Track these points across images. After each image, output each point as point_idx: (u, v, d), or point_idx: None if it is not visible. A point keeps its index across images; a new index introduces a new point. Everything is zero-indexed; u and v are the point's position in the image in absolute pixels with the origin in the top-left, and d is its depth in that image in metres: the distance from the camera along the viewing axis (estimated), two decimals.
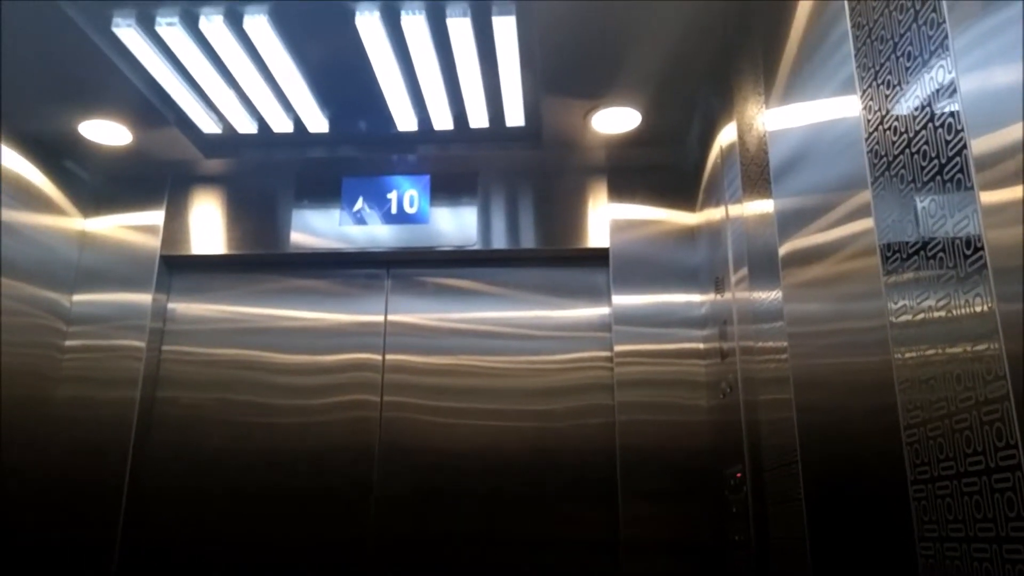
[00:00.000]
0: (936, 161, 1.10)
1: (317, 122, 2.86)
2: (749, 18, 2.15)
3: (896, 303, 1.23)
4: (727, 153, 2.43)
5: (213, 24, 2.29)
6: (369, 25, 2.28)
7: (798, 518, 1.71)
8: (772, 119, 1.92)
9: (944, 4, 1.07)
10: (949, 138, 1.06)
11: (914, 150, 1.16)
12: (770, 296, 1.96)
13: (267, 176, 3.21)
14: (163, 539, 2.91)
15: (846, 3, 1.44)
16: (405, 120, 2.83)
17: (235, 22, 2.30)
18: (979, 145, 0.99)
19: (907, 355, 1.19)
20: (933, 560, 1.11)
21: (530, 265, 3.14)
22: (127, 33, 2.33)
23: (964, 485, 1.02)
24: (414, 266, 3.18)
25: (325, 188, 3.18)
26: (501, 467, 2.89)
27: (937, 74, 1.10)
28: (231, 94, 2.70)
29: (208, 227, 3.18)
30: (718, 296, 2.58)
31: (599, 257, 3.06)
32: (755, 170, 2.09)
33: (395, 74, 2.54)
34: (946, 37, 1.07)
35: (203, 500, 2.94)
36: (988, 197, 0.97)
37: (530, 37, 2.36)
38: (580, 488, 2.86)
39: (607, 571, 2.75)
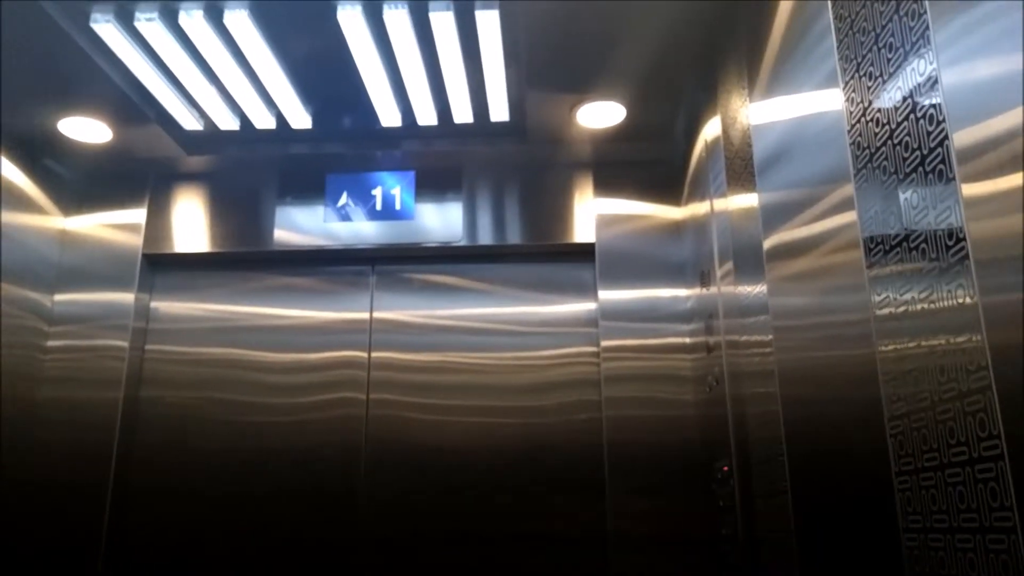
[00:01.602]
0: (918, 152, 1.10)
1: (300, 118, 2.84)
2: (733, 11, 2.14)
3: (879, 296, 1.23)
4: (712, 147, 2.43)
5: (193, 19, 2.27)
6: (351, 19, 2.26)
7: (784, 510, 1.72)
8: (756, 113, 1.93)
9: None
10: (931, 129, 1.06)
11: (896, 141, 1.17)
12: (755, 290, 1.96)
13: (250, 173, 3.18)
14: (148, 539, 2.89)
15: None
16: (389, 115, 2.82)
17: (215, 17, 2.28)
18: (961, 138, 0.99)
19: (891, 347, 1.20)
20: (917, 551, 1.11)
21: (516, 261, 3.13)
22: (106, 29, 2.30)
23: (948, 476, 1.03)
24: (399, 263, 3.16)
25: (309, 185, 3.16)
26: (488, 464, 2.89)
27: (919, 65, 1.10)
28: (212, 90, 2.67)
29: (191, 225, 3.15)
30: (704, 290, 2.59)
31: (585, 252, 3.06)
32: (739, 164, 2.09)
33: (378, 69, 2.52)
34: (927, 28, 1.07)
35: (188, 500, 2.91)
36: (970, 190, 0.97)
37: (514, 31, 2.35)
38: (568, 484, 2.86)
39: (595, 566, 2.76)
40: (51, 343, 3.01)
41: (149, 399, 3.04)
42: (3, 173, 2.84)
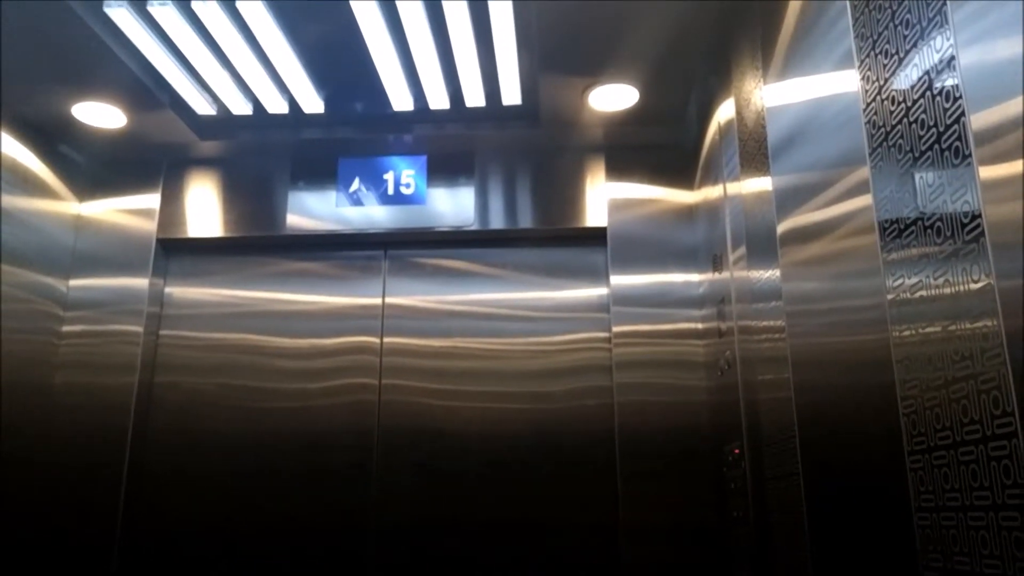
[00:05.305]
0: (934, 129, 1.09)
1: (312, 103, 2.84)
2: None
3: (894, 280, 1.23)
4: (725, 130, 2.42)
5: (206, 4, 2.27)
6: (364, 3, 2.26)
7: (796, 492, 1.72)
8: (770, 95, 1.91)
9: None
10: (947, 105, 1.05)
11: (912, 119, 1.16)
12: (768, 274, 1.95)
13: (263, 158, 3.19)
14: (163, 524, 2.92)
15: None
16: (401, 100, 2.81)
17: (228, 2, 2.28)
18: (978, 120, 0.98)
19: (905, 330, 1.19)
20: (930, 530, 1.11)
21: (528, 245, 3.13)
22: (120, 14, 2.31)
23: (961, 454, 1.02)
24: (411, 247, 3.17)
25: (321, 169, 3.16)
26: (500, 449, 2.90)
27: (936, 43, 1.09)
28: (225, 75, 2.68)
29: (204, 210, 3.17)
30: (716, 275, 2.58)
31: (597, 236, 3.05)
32: (753, 147, 2.08)
33: (390, 53, 2.52)
34: (944, 4, 1.06)
35: (202, 485, 2.94)
36: (987, 172, 0.96)
37: (527, 13, 2.34)
38: (579, 469, 2.87)
39: (607, 551, 2.77)
40: (66, 328, 3.04)
41: (163, 384, 3.07)
42: (11, 155, 2.86)
